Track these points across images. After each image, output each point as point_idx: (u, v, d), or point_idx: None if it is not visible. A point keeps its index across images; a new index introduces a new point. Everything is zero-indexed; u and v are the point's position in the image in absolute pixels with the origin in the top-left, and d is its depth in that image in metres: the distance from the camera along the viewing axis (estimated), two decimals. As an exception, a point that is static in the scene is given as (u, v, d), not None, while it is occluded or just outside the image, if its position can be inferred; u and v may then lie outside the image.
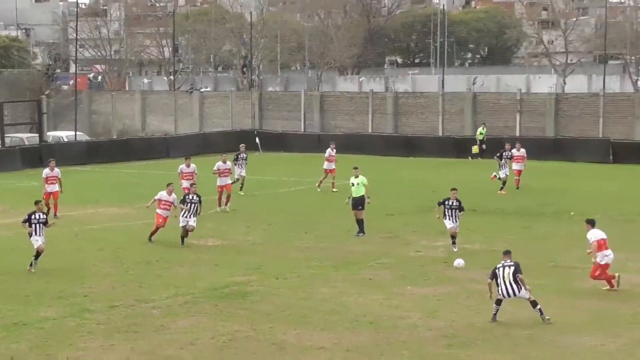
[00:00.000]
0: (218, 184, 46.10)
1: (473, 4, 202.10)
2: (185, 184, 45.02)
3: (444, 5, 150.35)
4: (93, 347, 24.83)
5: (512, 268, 26.76)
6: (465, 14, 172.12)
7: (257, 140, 76.97)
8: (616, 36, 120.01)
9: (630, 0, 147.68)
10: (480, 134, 69.95)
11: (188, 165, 47.26)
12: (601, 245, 30.06)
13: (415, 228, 41.26)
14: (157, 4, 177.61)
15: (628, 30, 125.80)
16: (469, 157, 67.87)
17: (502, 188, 50.69)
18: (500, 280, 26.60)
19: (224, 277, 32.49)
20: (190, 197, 37.54)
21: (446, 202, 35.65)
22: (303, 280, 32.16)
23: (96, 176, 62.51)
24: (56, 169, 46.16)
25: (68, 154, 70.43)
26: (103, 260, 35.20)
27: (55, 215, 43.84)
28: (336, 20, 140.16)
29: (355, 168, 40.52)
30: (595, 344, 24.71)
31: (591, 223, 30.73)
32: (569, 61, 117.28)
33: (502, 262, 27.14)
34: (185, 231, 37.69)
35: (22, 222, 33.05)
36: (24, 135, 79.44)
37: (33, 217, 32.33)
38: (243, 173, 51.52)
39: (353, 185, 39.53)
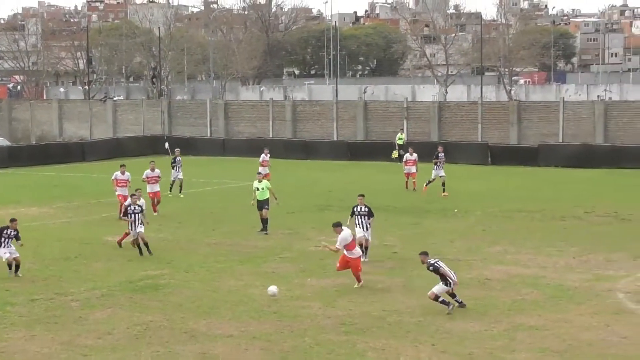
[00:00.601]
0: (148, 190, 44.26)
1: (362, 20, 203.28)
2: (120, 191, 43.96)
3: (335, 21, 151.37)
4: (15, 338, 24.42)
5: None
6: (355, 29, 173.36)
7: (167, 145, 76.26)
8: (491, 50, 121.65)
9: (502, 18, 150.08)
10: (400, 139, 69.81)
11: (123, 173, 44.70)
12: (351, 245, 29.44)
13: (313, 225, 41.23)
14: (72, 19, 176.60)
15: (501, 45, 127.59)
16: (393, 160, 67.32)
17: (444, 190, 49.87)
18: None
19: (137, 272, 32.22)
20: (132, 208, 35.05)
21: (355, 210, 33.36)
22: (212, 273, 31.95)
23: (17, 179, 61.68)
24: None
25: (-11, 158, 69.69)
26: (24, 257, 34.59)
27: None
28: (238, 34, 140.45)
29: (259, 174, 40.65)
30: (479, 329, 24.77)
31: (339, 225, 29.62)
32: (449, 72, 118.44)
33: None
34: (138, 240, 34.94)
35: None
36: (-54, 141, 78.45)
37: (5, 232, 30.70)
38: (180, 176, 50.90)
39: (257, 189, 39.20)
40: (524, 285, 29.65)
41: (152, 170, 45.01)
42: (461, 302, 26.49)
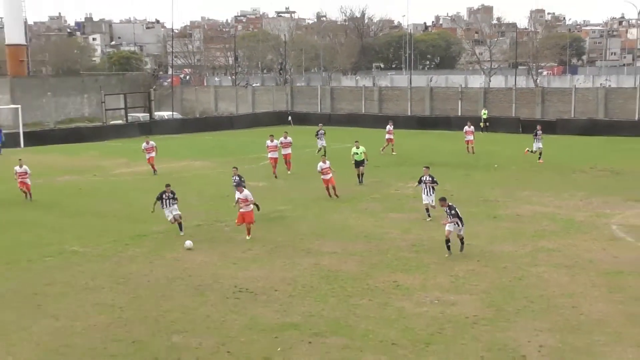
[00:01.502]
0: (269, 156, 42.07)
1: (430, 28, 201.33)
2: (271, 154, 41.88)
3: (410, 29, 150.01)
4: (186, 252, 24.92)
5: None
6: (425, 35, 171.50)
7: (290, 118, 77.08)
8: (523, 50, 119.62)
9: (531, 27, 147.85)
10: (484, 114, 68.69)
11: (272, 141, 42.25)
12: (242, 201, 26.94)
13: (394, 175, 41.25)
14: (224, 29, 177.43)
15: (530, 46, 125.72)
16: (481, 131, 66.22)
17: (539, 157, 46.39)
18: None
19: (270, 207, 32.35)
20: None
21: (422, 179, 29.90)
22: (321, 209, 32.21)
23: (186, 141, 62.53)
24: (151, 142, 44.03)
25: (168, 127, 70.73)
26: (191, 195, 35.16)
27: (155, 172, 42.85)
28: (340, 39, 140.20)
29: (356, 141, 39.19)
30: (512, 250, 24.80)
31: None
32: (492, 67, 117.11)
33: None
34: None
35: (156, 199, 27.66)
36: (139, 115, 79.60)
37: (164, 195, 27.49)
38: (324, 144, 49.46)
39: (356, 153, 38.15)
40: (544, 219, 29.50)
41: (285, 137, 42.80)
42: (462, 249, 24.29)
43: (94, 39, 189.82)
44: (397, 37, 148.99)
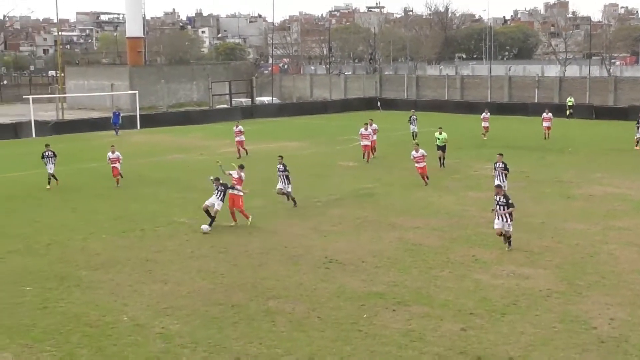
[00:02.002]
0: (362, 144, 39.90)
1: (509, 22, 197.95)
2: (364, 142, 39.67)
3: (490, 23, 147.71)
4: (281, 224, 24.96)
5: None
6: (504, 28, 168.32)
7: (379, 103, 76.71)
8: (597, 42, 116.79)
9: (605, 20, 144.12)
10: (569, 101, 66.94)
11: (366, 129, 39.76)
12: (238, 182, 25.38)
13: (474, 157, 40.63)
14: (319, 23, 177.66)
15: (604, 38, 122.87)
16: (566, 117, 64.65)
17: (637, 144, 43.75)
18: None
19: (358, 184, 32.45)
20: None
21: (495, 165, 28.75)
22: (405, 187, 31.90)
23: (284, 124, 62.78)
24: (240, 126, 43.00)
25: (268, 111, 71.14)
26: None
27: (247, 153, 42.29)
28: (425, 31, 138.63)
29: (440, 127, 37.60)
30: (584, 228, 24.13)
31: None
32: (568, 57, 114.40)
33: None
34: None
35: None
36: (243, 100, 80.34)
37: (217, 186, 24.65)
38: (416, 129, 47.93)
39: (438, 138, 36.74)
40: (615, 200, 28.64)
41: (367, 127, 40.10)
42: (509, 246, 21.53)
43: (203, 32, 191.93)
44: (478, 29, 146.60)
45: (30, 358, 14.16)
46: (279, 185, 27.99)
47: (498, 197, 21.69)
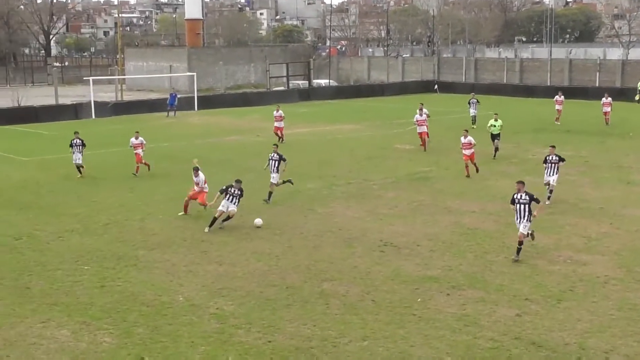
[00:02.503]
0: (418, 131, 37.65)
1: (570, 4, 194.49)
2: (419, 129, 37.54)
3: (552, 5, 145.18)
4: (337, 207, 25.00)
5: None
6: (565, 10, 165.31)
7: (436, 86, 76.15)
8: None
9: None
10: None
11: (421, 115, 37.70)
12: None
13: (531, 140, 40.03)
14: (378, 4, 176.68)
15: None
16: (637, 102, 63.34)
17: None
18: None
19: (414, 168, 32.29)
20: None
21: (547, 158, 25.77)
22: (460, 171, 31.40)
23: (340, 107, 62.68)
24: (280, 111, 40.82)
25: (324, 93, 71.31)
26: (343, 155, 35.27)
27: (280, 140, 39.55)
28: (485, 13, 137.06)
29: (496, 113, 35.56)
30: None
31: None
32: (631, 40, 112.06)
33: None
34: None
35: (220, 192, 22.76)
36: (299, 82, 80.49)
37: (230, 190, 22.52)
38: (475, 112, 45.95)
39: (493, 126, 34.70)
40: (677, 186, 28.08)
41: (421, 112, 37.53)
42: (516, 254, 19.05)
43: (261, 14, 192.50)
44: (538, 12, 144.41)
45: (87, 336, 14.41)
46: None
47: (519, 194, 19.09)
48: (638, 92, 63.46)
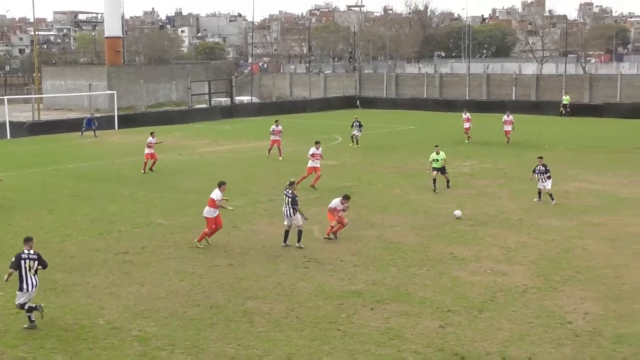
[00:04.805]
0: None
1: (487, 20, 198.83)
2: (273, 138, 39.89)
3: (469, 21, 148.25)
4: (262, 224, 24.90)
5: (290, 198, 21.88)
6: (482, 26, 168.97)
7: (358, 102, 76.81)
8: (573, 40, 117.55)
9: (581, 18, 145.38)
10: (566, 99, 66.57)
11: (277, 126, 40.70)
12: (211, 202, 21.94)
13: (452, 154, 40.52)
14: (299, 22, 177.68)
15: (580, 36, 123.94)
16: (560, 115, 64.57)
17: None
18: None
19: (337, 183, 32.29)
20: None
21: (535, 169, 27.82)
22: (385, 185, 31.90)
23: (263, 123, 62.32)
24: (280, 126, 41.31)
25: (247, 110, 71.05)
26: (267, 172, 35.07)
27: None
28: (405, 30, 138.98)
29: (437, 146, 31.47)
30: (560, 224, 24.31)
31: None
32: (544, 55, 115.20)
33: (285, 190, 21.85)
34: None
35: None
36: (222, 99, 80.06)
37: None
38: (357, 133, 44.78)
39: (435, 160, 30.79)
40: (590, 196, 28.85)
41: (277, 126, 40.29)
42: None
43: (182, 32, 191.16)
44: (457, 28, 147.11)
45: (5, 362, 13.98)
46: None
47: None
48: (562, 105, 65.20)
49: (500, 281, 18.38)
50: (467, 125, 46.90)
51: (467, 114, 47.37)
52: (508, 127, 46.12)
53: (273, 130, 41.28)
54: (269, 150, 40.99)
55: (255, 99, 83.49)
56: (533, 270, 19.24)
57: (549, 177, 27.55)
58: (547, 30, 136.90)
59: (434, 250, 21.27)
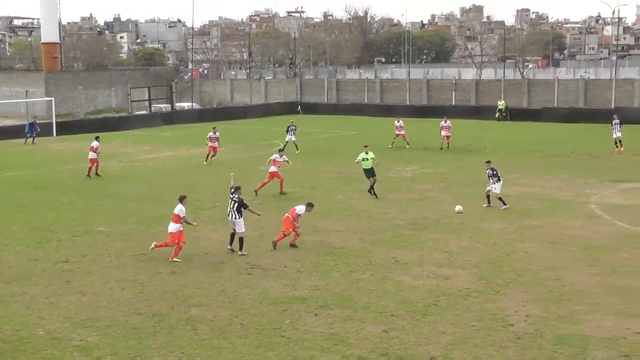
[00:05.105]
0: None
1: (426, 26, 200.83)
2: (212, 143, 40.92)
3: (409, 27, 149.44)
4: (205, 231, 24.70)
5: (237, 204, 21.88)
6: (422, 32, 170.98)
7: (299, 108, 76.92)
8: (511, 45, 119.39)
9: (518, 24, 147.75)
10: (501, 104, 66.55)
11: (215, 133, 41.50)
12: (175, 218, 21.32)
13: (391, 159, 40.93)
14: (239, 27, 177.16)
15: (517, 42, 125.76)
16: (497, 119, 65.52)
17: (618, 147, 42.89)
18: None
19: (276, 189, 32.10)
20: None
21: (487, 172, 27.94)
22: (327, 190, 31.93)
23: (204, 130, 61.93)
24: (217, 133, 41.72)
25: (188, 117, 70.62)
26: (209, 179, 34.83)
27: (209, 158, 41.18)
28: (345, 36, 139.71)
29: (365, 146, 31.70)
30: (501, 227, 24.58)
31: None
32: (483, 60, 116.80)
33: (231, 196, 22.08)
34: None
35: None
36: (162, 106, 79.37)
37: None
38: (293, 138, 44.99)
39: (365, 159, 30.71)
40: (530, 199, 29.27)
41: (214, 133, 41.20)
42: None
43: (121, 37, 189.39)
44: (396, 33, 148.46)
45: (-59, 376, 13.63)
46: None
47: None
48: (498, 110, 66.11)
49: (443, 285, 18.53)
50: (446, 133, 45.94)
51: (448, 121, 46.60)
52: (446, 133, 46.12)
53: (210, 137, 41.52)
54: (207, 157, 41.07)
55: (195, 105, 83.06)
56: (475, 274, 19.44)
57: (498, 181, 27.77)
58: (486, 35, 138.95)
59: (377, 255, 21.36)
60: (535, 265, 20.12)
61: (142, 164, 41.76)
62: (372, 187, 30.48)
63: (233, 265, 20.58)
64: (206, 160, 40.92)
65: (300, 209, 22.74)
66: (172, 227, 21.29)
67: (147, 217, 26.72)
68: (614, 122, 43.83)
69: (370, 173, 30.64)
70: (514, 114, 65.65)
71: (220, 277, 19.48)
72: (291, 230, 22.55)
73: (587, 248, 21.84)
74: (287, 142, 45.09)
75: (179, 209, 21.28)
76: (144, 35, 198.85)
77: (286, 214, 22.88)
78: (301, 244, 22.64)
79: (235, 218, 21.83)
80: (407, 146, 46.23)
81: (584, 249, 21.78)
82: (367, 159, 30.64)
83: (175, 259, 21.12)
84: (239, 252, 21.68)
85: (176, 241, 21.25)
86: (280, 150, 32.80)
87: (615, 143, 43.09)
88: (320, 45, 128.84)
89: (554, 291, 17.97)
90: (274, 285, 18.67)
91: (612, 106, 65.22)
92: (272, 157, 32.09)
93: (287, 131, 45.83)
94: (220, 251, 21.99)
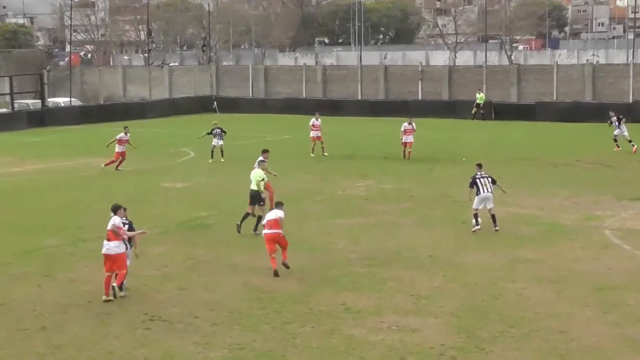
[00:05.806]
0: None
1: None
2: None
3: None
4: (86, 270, 24.39)
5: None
6: (377, 3, 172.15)
7: (215, 104, 76.87)
8: (494, 21, 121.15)
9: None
10: (480, 98, 67.90)
11: (126, 134, 43.72)
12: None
13: (340, 172, 40.95)
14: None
15: (503, 16, 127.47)
16: (473, 116, 66.31)
17: (617, 146, 45.70)
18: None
19: (190, 213, 32.05)
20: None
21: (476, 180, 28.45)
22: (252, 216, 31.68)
23: (86, 134, 61.63)
24: (129, 134, 43.67)
25: (65, 116, 70.28)
26: (95, 199, 34.54)
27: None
28: (276, 9, 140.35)
29: (264, 150, 31.76)
30: (483, 261, 24.69)
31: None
32: (458, 40, 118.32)
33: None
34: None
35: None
36: (29, 102, 78.55)
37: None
38: (218, 143, 45.19)
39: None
40: (522, 223, 29.51)
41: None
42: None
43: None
44: (344, 6, 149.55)
45: None
46: None
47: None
48: (475, 105, 66.81)
49: (409, 340, 18.45)
50: (408, 138, 45.75)
51: (413, 123, 46.17)
52: (409, 138, 45.86)
53: (120, 139, 42.91)
54: (117, 165, 42.57)
55: (75, 101, 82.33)
56: (452, 325, 19.41)
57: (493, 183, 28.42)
58: (462, 8, 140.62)
59: (321, 301, 21.21)
60: (532, 313, 20.15)
61: (2, 179, 41.13)
62: (247, 216, 28.88)
63: (125, 316, 20.25)
64: (117, 168, 42.27)
65: (277, 212, 23.83)
66: (112, 247, 21.79)
67: (6, 252, 26.20)
68: (612, 119, 45.19)
69: (255, 198, 28.98)
70: (500, 111, 66.49)
71: (108, 333, 19.17)
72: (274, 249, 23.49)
73: (601, 289, 21.92)
74: (213, 147, 45.35)
75: (116, 220, 21.81)
76: (4, 7, 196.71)
77: (265, 231, 23.85)
78: (217, 287, 22.43)
79: (128, 247, 22.17)
80: (324, 153, 46.59)
81: (597, 289, 21.86)
82: (257, 177, 29.23)
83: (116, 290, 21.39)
84: (119, 293, 21.55)
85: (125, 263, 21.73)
86: (265, 152, 31.53)
87: (615, 140, 44.38)
88: (243, 21, 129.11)
89: (558, 347, 17.97)
90: (181, 344, 18.43)
91: (630, 99, 66.21)
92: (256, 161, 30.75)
93: (214, 135, 45.81)
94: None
